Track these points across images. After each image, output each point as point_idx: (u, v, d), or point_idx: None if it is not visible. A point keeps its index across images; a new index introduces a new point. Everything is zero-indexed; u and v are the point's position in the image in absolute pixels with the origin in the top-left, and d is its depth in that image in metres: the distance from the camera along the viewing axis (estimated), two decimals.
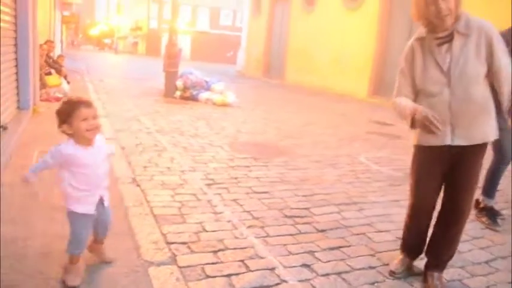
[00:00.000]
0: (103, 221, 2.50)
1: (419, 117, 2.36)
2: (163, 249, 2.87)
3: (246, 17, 27.06)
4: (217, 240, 3.09)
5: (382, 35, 15.14)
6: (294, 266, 2.80)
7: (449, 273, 2.86)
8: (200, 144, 6.16)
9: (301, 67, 19.79)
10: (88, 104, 2.23)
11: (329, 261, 2.91)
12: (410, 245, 2.86)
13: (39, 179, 2.31)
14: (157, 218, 3.39)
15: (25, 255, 2.59)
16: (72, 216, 2.34)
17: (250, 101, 12.15)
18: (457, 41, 2.43)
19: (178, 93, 11.28)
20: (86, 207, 2.33)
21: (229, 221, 3.46)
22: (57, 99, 8.70)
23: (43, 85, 8.97)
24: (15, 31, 6.47)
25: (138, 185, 4.11)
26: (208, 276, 2.59)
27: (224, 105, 10.59)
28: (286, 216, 3.68)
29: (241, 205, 3.85)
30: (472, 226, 3.72)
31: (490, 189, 3.92)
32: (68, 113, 2.19)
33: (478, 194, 3.96)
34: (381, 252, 3.11)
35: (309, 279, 2.66)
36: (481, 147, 2.55)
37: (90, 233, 2.49)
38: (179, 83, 11.28)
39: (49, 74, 9.71)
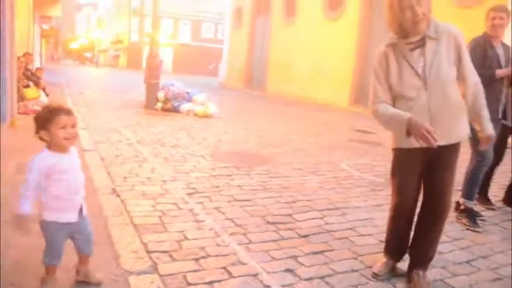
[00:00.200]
0: (83, 232, 2.42)
1: (416, 126, 2.38)
2: (144, 258, 2.82)
3: (227, 30, 27.21)
4: (199, 248, 3.05)
5: (362, 45, 15.37)
6: (277, 272, 2.78)
7: (431, 273, 2.87)
8: (181, 154, 6.12)
9: (282, 78, 19.92)
10: (68, 112, 2.19)
11: (312, 265, 2.90)
12: (393, 246, 2.86)
13: (11, 189, 2.24)
14: (137, 227, 3.34)
15: None
16: (51, 227, 2.25)
17: (232, 112, 12.15)
18: (429, 46, 2.51)
19: (159, 104, 11.22)
20: (69, 215, 2.26)
21: (211, 229, 3.42)
22: (36, 112, 8.57)
23: (21, 98, 8.83)
24: None
25: (118, 195, 4.04)
26: (190, 284, 2.55)
27: (206, 116, 10.55)
28: (268, 222, 3.66)
29: (223, 213, 3.81)
30: (453, 227, 3.75)
31: (469, 191, 3.97)
32: (47, 119, 2.14)
33: (458, 196, 4.03)
34: (363, 255, 3.11)
35: (293, 284, 2.63)
36: (457, 146, 2.62)
37: (66, 242, 2.41)
38: (160, 95, 11.22)
39: (27, 86, 9.57)
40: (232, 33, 26.05)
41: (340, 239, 3.40)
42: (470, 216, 3.87)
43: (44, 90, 10.25)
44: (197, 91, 11.88)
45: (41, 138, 2.19)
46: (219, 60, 29.30)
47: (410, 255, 2.82)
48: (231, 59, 25.92)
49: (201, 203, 4.05)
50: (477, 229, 3.75)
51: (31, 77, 10.24)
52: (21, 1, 11.82)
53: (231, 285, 2.57)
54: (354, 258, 3.06)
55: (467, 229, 3.77)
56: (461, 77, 2.56)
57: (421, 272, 2.70)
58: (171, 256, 2.89)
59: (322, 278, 2.74)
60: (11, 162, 4.57)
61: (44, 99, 9.51)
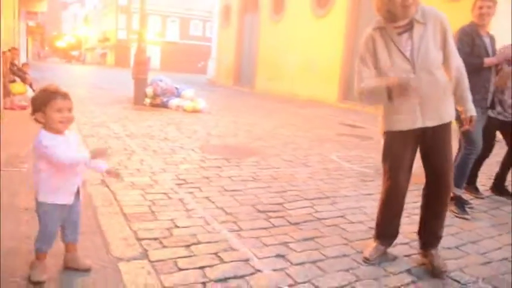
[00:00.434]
0: (73, 219, 2.39)
1: (394, 83, 2.45)
2: (134, 245, 2.80)
3: (215, 27, 27.12)
4: (189, 235, 3.03)
5: (350, 41, 15.40)
6: (268, 257, 2.77)
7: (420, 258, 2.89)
8: (171, 147, 6.08)
9: (271, 75, 19.90)
10: (64, 96, 2.19)
11: (303, 250, 2.90)
12: (384, 231, 2.88)
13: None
14: (127, 216, 3.31)
15: None
16: (46, 208, 2.24)
17: (221, 108, 12.11)
18: (417, 30, 2.57)
19: (148, 100, 11.14)
20: (65, 197, 2.26)
21: (201, 217, 3.40)
22: (22, 108, 8.47)
23: (7, 93, 8.69)
24: None
25: (107, 186, 4.01)
26: (180, 269, 2.53)
27: (195, 111, 10.51)
28: (259, 211, 3.65)
29: (213, 202, 3.80)
30: None
31: (458, 179, 3.99)
32: (43, 101, 2.15)
33: None
34: (354, 241, 3.12)
35: (284, 268, 2.63)
36: (448, 126, 2.68)
37: (58, 230, 2.38)
38: (149, 90, 11.14)
39: (13, 81, 9.43)
40: (220, 30, 25.96)
41: (331, 226, 3.41)
42: (459, 204, 3.90)
43: (30, 86, 10.11)
44: (186, 86, 11.83)
45: (36, 120, 2.19)
46: (208, 58, 29.21)
47: (421, 237, 2.88)
48: (220, 57, 25.85)
49: (191, 193, 4.03)
50: (466, 216, 3.78)
51: (17, 72, 10.10)
52: None
53: (223, 269, 2.56)
54: (345, 244, 3.06)
55: (456, 216, 3.80)
56: (446, 61, 2.62)
57: (433, 251, 2.77)
58: (161, 243, 2.87)
59: (313, 262, 2.74)
60: None
61: (31, 95, 9.37)
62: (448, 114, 2.66)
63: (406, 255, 2.93)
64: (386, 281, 2.58)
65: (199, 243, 2.92)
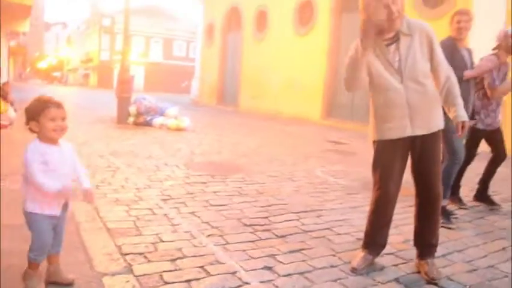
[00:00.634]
0: (59, 231, 2.36)
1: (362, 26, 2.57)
2: (118, 260, 2.74)
3: (199, 46, 27.27)
4: (175, 249, 2.99)
5: (333, 58, 15.63)
6: (256, 269, 2.74)
7: (409, 266, 2.89)
8: (155, 164, 6.03)
9: (254, 93, 20.02)
10: (58, 105, 2.22)
11: (291, 262, 2.87)
12: (373, 241, 2.88)
13: None
14: (111, 231, 3.25)
15: None
16: (35, 218, 2.21)
17: (205, 126, 12.10)
18: (403, 41, 2.65)
19: (131, 119, 11.06)
20: (53, 208, 2.25)
21: (187, 232, 3.36)
22: (4, 127, 8.33)
23: None
24: None
25: (93, 199, 3.93)
26: (166, 283, 2.49)
27: (179, 129, 10.48)
28: (245, 225, 3.62)
29: (198, 217, 3.76)
30: None
31: (443, 189, 4.02)
32: (37, 110, 2.17)
33: None
34: (342, 252, 3.11)
35: (271, 280, 2.60)
36: (437, 135, 2.73)
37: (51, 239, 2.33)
38: (132, 109, 11.08)
39: None
40: (204, 49, 26.11)
41: (318, 238, 3.39)
42: (444, 214, 3.91)
43: (11, 104, 9.97)
44: (170, 105, 11.80)
45: (30, 130, 2.22)
46: (191, 77, 29.28)
47: (417, 247, 2.89)
48: (203, 76, 25.94)
49: (176, 208, 3.98)
50: (451, 226, 3.81)
51: None
52: None
53: (210, 282, 2.52)
54: (332, 255, 3.05)
55: (442, 226, 3.78)
56: (434, 70, 2.69)
57: (429, 260, 2.78)
58: (146, 257, 2.82)
59: (301, 273, 2.71)
60: None
61: (11, 114, 9.24)
62: (435, 124, 2.71)
63: (393, 265, 2.92)
64: None
65: (185, 257, 2.87)
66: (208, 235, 3.31)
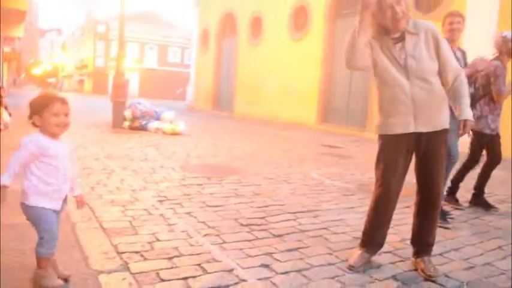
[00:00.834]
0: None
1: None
2: (114, 258, 2.72)
3: (194, 52, 27.32)
4: (171, 248, 2.97)
5: (327, 63, 15.70)
6: (253, 267, 2.73)
7: (406, 264, 2.89)
8: (151, 166, 6.01)
9: (249, 99, 20.05)
10: (63, 101, 2.25)
11: (288, 260, 2.86)
12: (372, 238, 2.88)
13: None
14: (106, 231, 3.23)
15: None
16: (38, 212, 2.21)
17: (201, 130, 12.10)
18: (409, 40, 2.69)
19: (126, 123, 11.05)
20: (54, 202, 2.25)
21: (183, 231, 3.34)
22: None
23: None
24: None
25: (85, 203, 3.91)
26: (163, 280, 2.47)
27: (174, 134, 10.46)
28: (242, 224, 3.61)
29: (195, 217, 3.74)
30: None
31: None
32: (42, 105, 2.20)
33: None
34: (339, 250, 3.10)
35: (269, 278, 2.59)
36: (442, 134, 2.74)
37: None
38: (127, 113, 11.06)
39: None
40: (199, 55, 26.16)
41: (315, 237, 3.38)
42: (441, 214, 3.91)
43: (6, 108, 9.91)
44: (165, 109, 11.79)
45: (33, 124, 2.24)
46: (186, 84, 29.29)
47: (414, 245, 2.90)
48: (198, 82, 25.96)
49: (172, 208, 3.96)
50: (447, 225, 3.81)
51: None
52: None
53: (206, 280, 2.50)
54: (329, 254, 3.04)
55: (438, 226, 3.80)
56: (442, 69, 2.69)
57: (426, 258, 2.79)
58: (142, 256, 2.80)
59: (298, 271, 2.70)
60: None
61: (6, 118, 9.19)
62: (440, 123, 2.71)
63: (391, 263, 2.92)
64: (372, 287, 2.56)
65: (181, 255, 2.85)
66: (205, 234, 3.30)
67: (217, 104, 23.77)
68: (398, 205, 3.17)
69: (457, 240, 3.51)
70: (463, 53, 4.25)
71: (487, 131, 4.46)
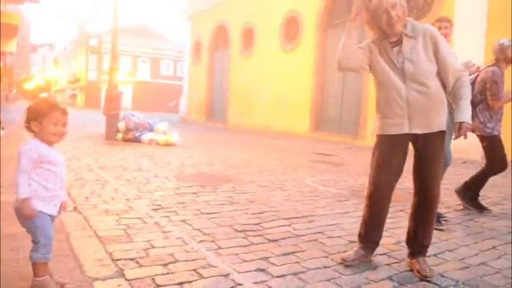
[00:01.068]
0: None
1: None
2: (109, 266, 2.71)
3: (186, 64, 27.42)
4: (167, 254, 2.96)
5: (319, 73, 15.82)
6: (249, 271, 2.72)
7: (401, 265, 2.90)
8: (145, 176, 6.00)
9: (243, 109, 20.12)
10: (63, 112, 2.26)
11: (284, 264, 2.86)
12: (367, 236, 2.90)
13: None
14: (101, 239, 3.22)
15: None
16: (38, 215, 2.19)
17: (194, 141, 12.10)
18: (406, 43, 2.71)
19: (120, 135, 11.03)
20: (51, 208, 2.25)
21: (178, 238, 3.33)
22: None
23: None
24: None
25: (80, 213, 3.90)
26: (159, 286, 2.46)
27: (168, 145, 10.46)
28: (237, 231, 3.60)
29: (190, 224, 3.73)
30: None
31: None
32: (42, 112, 2.19)
33: None
34: (334, 254, 3.10)
35: (265, 281, 2.58)
36: (439, 137, 2.76)
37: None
38: (121, 125, 11.05)
39: None
40: (191, 67, 26.27)
41: (310, 241, 3.39)
42: None
43: None
44: (159, 120, 11.79)
45: (29, 128, 2.23)
46: (179, 96, 29.33)
47: (409, 246, 2.91)
48: (191, 94, 26.03)
49: (167, 217, 3.95)
50: (441, 227, 3.83)
51: None
52: None
53: (203, 284, 2.50)
54: (325, 257, 3.04)
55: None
56: (442, 71, 2.71)
57: (421, 259, 2.80)
58: (137, 262, 2.79)
59: (294, 274, 2.70)
60: None
61: None
62: (437, 124, 2.72)
63: (386, 264, 2.93)
64: None
65: (177, 261, 2.85)
66: (200, 241, 3.29)
67: (211, 115, 23.83)
68: (392, 209, 3.21)
69: (451, 241, 3.53)
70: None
71: (496, 132, 4.50)
